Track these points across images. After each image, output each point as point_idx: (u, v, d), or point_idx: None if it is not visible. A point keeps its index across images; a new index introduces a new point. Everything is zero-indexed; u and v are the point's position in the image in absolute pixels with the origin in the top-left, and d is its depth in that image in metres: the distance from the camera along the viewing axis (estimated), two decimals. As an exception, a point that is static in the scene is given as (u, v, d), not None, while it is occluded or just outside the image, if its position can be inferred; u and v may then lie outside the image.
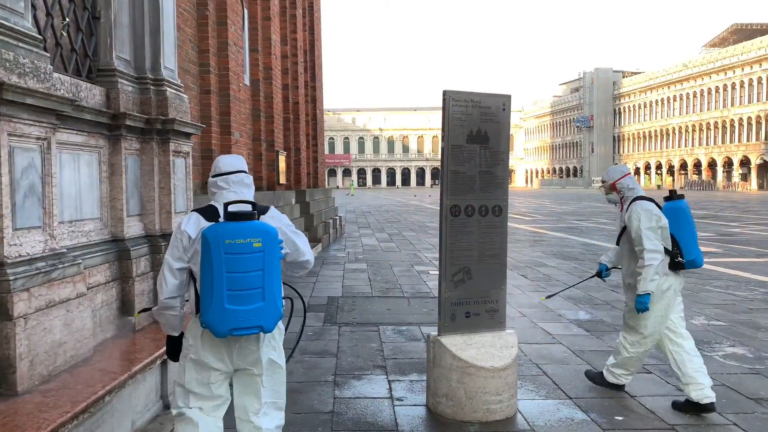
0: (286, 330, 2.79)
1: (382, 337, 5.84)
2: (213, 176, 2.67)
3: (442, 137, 3.79)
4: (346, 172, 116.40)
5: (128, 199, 4.27)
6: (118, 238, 4.16)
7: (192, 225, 2.50)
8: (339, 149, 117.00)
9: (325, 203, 16.50)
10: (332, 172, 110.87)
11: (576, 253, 12.57)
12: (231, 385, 2.65)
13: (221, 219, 2.47)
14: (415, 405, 4.07)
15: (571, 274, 9.68)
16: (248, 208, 2.45)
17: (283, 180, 11.26)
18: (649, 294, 3.81)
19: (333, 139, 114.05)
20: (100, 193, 4.04)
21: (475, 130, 3.83)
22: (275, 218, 2.62)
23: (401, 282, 9.01)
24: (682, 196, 4.11)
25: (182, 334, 2.66)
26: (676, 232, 3.94)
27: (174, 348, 2.69)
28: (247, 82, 10.16)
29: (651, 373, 4.66)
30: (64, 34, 3.92)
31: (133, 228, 4.32)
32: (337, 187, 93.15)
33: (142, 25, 4.58)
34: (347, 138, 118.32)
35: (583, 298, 7.70)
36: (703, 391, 3.82)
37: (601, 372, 4.36)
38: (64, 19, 3.91)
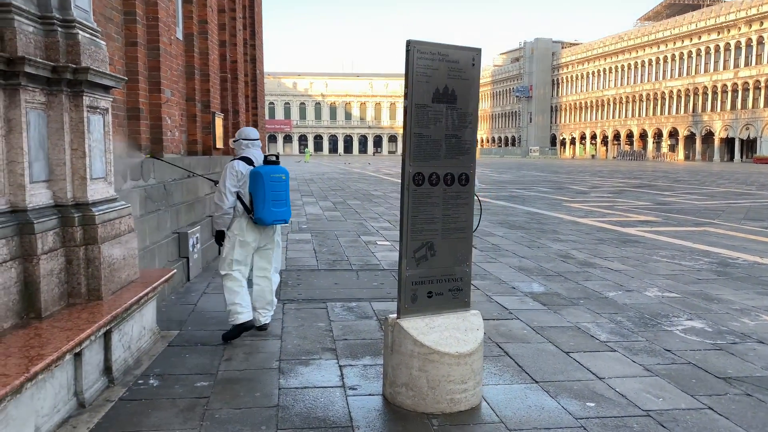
0: None
1: (331, 315, 5.39)
2: (243, 139, 4.82)
3: (405, 95, 3.30)
4: (287, 139, 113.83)
5: (31, 162, 3.58)
6: (19, 209, 3.46)
7: (242, 167, 4.60)
8: (280, 115, 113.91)
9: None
10: (272, 138, 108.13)
11: (521, 221, 12.46)
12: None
13: (256, 164, 4.65)
14: (370, 395, 3.67)
15: (519, 243, 9.50)
16: (274, 158, 4.66)
17: (220, 144, 10.44)
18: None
19: (273, 104, 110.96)
20: (-6, 155, 3.34)
21: (442, 88, 3.35)
22: None
23: (348, 253, 8.57)
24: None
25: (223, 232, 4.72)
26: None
27: (221, 237, 4.72)
28: (180, 36, 9.26)
29: (615, 351, 4.44)
30: (-59, -44, 3.15)
31: (38, 196, 3.64)
32: (278, 154, 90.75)
33: (45, -47, 3.80)
34: (288, 103, 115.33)
35: (535, 269, 7.50)
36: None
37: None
38: (-60, -62, 3.14)
